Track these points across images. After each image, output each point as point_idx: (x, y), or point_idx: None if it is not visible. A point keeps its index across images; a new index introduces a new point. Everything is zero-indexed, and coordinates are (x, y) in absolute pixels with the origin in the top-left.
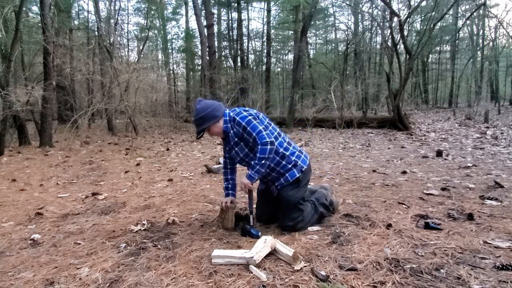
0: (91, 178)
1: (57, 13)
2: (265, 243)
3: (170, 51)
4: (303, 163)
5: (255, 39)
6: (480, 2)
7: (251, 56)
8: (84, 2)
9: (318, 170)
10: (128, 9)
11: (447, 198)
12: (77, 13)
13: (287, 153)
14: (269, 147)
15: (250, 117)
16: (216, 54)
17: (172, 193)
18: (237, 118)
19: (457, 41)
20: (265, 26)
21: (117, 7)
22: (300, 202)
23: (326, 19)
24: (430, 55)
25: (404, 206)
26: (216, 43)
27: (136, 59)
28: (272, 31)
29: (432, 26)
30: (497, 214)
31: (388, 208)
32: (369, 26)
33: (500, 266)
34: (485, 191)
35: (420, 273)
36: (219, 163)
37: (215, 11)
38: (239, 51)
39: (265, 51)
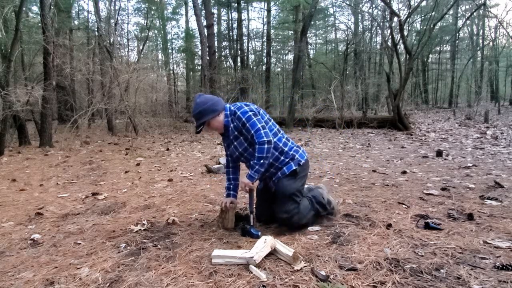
0: (91, 178)
1: (57, 13)
2: (265, 243)
3: (170, 51)
4: (301, 158)
5: (255, 39)
6: (480, 2)
7: (251, 56)
8: (84, 2)
9: (318, 170)
10: (128, 9)
11: (447, 198)
12: (77, 13)
13: (286, 149)
14: (266, 146)
15: (250, 113)
16: (216, 54)
17: (172, 193)
18: (238, 113)
19: (457, 41)
20: (265, 26)
21: (117, 7)
22: (295, 194)
23: (326, 19)
24: (430, 55)
25: (404, 206)
26: (216, 43)
27: (136, 59)
28: (272, 31)
29: (432, 26)
30: (497, 214)
31: (388, 208)
32: (369, 26)
33: (500, 266)
34: (485, 191)
35: (420, 273)
36: (219, 163)
37: (215, 11)
38: (239, 51)
39: (265, 51)
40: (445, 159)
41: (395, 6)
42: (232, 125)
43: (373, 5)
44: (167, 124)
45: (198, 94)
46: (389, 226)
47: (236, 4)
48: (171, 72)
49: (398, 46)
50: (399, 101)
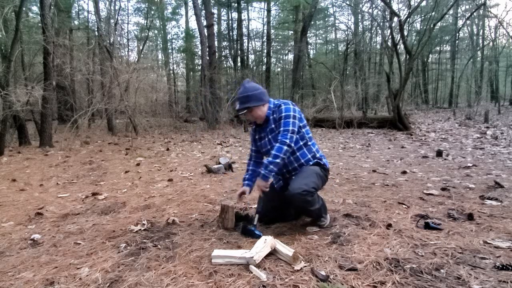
0: (91, 178)
1: (57, 13)
2: (265, 243)
3: (170, 51)
4: (326, 164)
5: (255, 39)
6: (480, 2)
7: (251, 56)
8: (84, 2)
9: None
10: (128, 9)
11: (447, 198)
12: (77, 13)
13: (318, 154)
14: (285, 147)
15: (292, 113)
16: (216, 54)
17: (172, 193)
18: (283, 106)
19: (457, 41)
20: (265, 26)
21: (117, 7)
22: (317, 177)
23: (326, 19)
24: (430, 55)
25: (404, 206)
26: (216, 43)
27: (136, 59)
28: (272, 31)
29: (432, 26)
30: (497, 214)
31: (388, 208)
32: (369, 26)
33: (500, 266)
34: (485, 191)
35: (420, 273)
36: (219, 163)
37: (215, 11)
38: (239, 51)
39: (265, 51)
40: (445, 159)
41: (395, 6)
42: (272, 116)
43: (373, 5)
44: (167, 124)
45: (246, 80)
46: (389, 226)
47: (236, 4)
48: (171, 72)
49: (398, 46)
50: (399, 101)
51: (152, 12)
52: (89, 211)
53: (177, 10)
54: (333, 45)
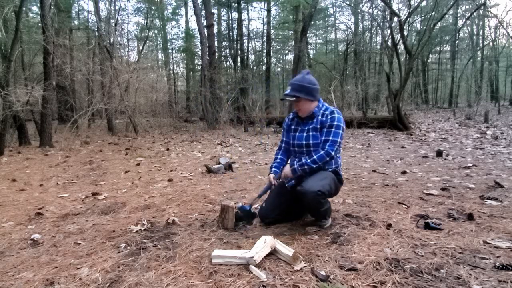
0: (91, 178)
1: (57, 13)
2: (265, 243)
3: (170, 51)
4: (342, 177)
5: (255, 39)
6: (480, 2)
7: (251, 56)
8: (84, 2)
9: None
10: (128, 9)
11: (447, 198)
12: (77, 13)
13: (340, 166)
14: (327, 158)
15: (342, 125)
16: (216, 54)
17: (172, 193)
18: (336, 115)
19: (457, 41)
20: (265, 26)
21: (117, 7)
22: (333, 183)
23: (326, 19)
24: (430, 55)
25: (404, 206)
26: (216, 43)
27: (136, 59)
28: (272, 31)
29: (432, 26)
30: (497, 214)
31: (388, 208)
32: (369, 26)
33: (500, 266)
34: (485, 191)
35: (420, 273)
36: (219, 163)
37: (215, 11)
38: (239, 51)
39: (265, 51)
40: (445, 159)
41: (395, 6)
42: (320, 117)
43: (373, 5)
44: (167, 124)
45: (307, 70)
46: (389, 226)
47: (236, 4)
48: (171, 72)
49: (398, 46)
50: (399, 101)
51: (152, 12)
52: (89, 211)
53: (177, 10)
54: (333, 45)
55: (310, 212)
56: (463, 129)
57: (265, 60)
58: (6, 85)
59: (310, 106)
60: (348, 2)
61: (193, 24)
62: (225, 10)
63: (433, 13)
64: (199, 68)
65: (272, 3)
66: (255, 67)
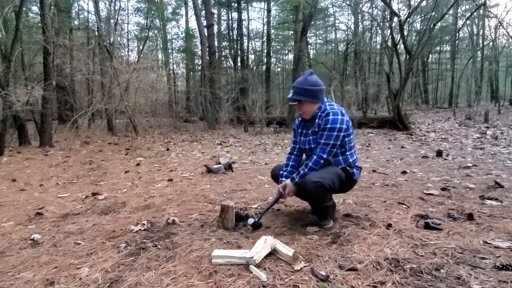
0: (91, 178)
1: (57, 13)
2: (265, 243)
3: (170, 51)
4: (355, 174)
5: (255, 39)
6: (480, 2)
7: (251, 56)
8: (84, 2)
9: None
10: (128, 9)
11: (447, 198)
12: (77, 13)
13: (351, 164)
14: (322, 161)
15: (338, 126)
16: (216, 54)
17: (172, 193)
18: (330, 117)
19: (457, 41)
20: (265, 26)
21: (117, 7)
22: (337, 178)
23: (326, 19)
24: (430, 55)
25: (404, 206)
26: (216, 43)
27: (136, 59)
28: (272, 31)
29: (432, 26)
30: (497, 214)
31: (388, 208)
32: (369, 26)
33: (500, 266)
34: (485, 191)
35: (420, 273)
36: (219, 163)
37: (215, 11)
38: (239, 51)
39: (265, 51)
40: (445, 159)
41: (395, 6)
42: (318, 120)
43: (373, 5)
44: (167, 124)
45: (310, 71)
46: (389, 226)
47: (236, 4)
48: (171, 72)
49: (398, 46)
50: (399, 101)
51: (152, 12)
52: (89, 211)
53: (177, 10)
54: (333, 45)
55: (312, 207)
56: (463, 129)
57: (265, 60)
58: (6, 85)
59: (313, 108)
60: (348, 2)
61: (193, 24)
62: (225, 10)
63: (433, 13)
64: (199, 68)
65: (272, 3)
66: (255, 67)
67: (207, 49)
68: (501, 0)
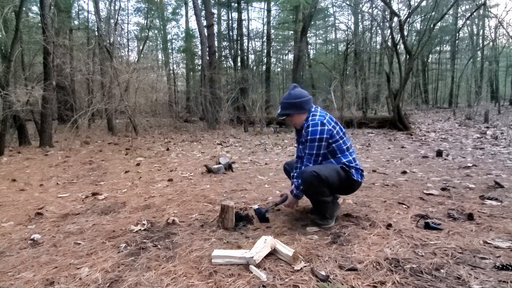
0: (91, 178)
1: (57, 13)
2: (265, 243)
3: (170, 51)
4: (353, 174)
5: (255, 39)
6: (480, 2)
7: (251, 56)
8: (84, 2)
9: None
10: (128, 9)
11: (447, 198)
12: (77, 13)
13: (347, 164)
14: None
15: (318, 136)
16: (216, 54)
17: (172, 193)
18: (310, 128)
19: (457, 41)
20: (265, 26)
21: (117, 7)
22: (334, 172)
23: (326, 19)
24: (430, 55)
25: (404, 206)
26: (216, 43)
27: (136, 59)
28: (272, 31)
29: (432, 26)
30: (497, 214)
31: (388, 208)
32: (369, 26)
33: (500, 266)
34: (485, 191)
35: (420, 273)
36: (219, 163)
37: (215, 11)
38: (239, 51)
39: (265, 51)
40: (445, 159)
41: (395, 6)
42: (303, 130)
43: (373, 5)
44: (167, 124)
45: (294, 85)
46: (389, 226)
47: (236, 4)
48: (171, 72)
49: (398, 46)
50: (399, 101)
51: (152, 12)
52: (89, 211)
53: (177, 10)
54: (333, 45)
55: (312, 204)
56: (463, 129)
57: (265, 60)
58: (6, 85)
59: (302, 118)
60: (348, 2)
61: (193, 24)
62: (225, 10)
63: (433, 13)
64: (199, 68)
65: (272, 3)
66: (255, 67)
67: (207, 49)
68: (501, 0)
